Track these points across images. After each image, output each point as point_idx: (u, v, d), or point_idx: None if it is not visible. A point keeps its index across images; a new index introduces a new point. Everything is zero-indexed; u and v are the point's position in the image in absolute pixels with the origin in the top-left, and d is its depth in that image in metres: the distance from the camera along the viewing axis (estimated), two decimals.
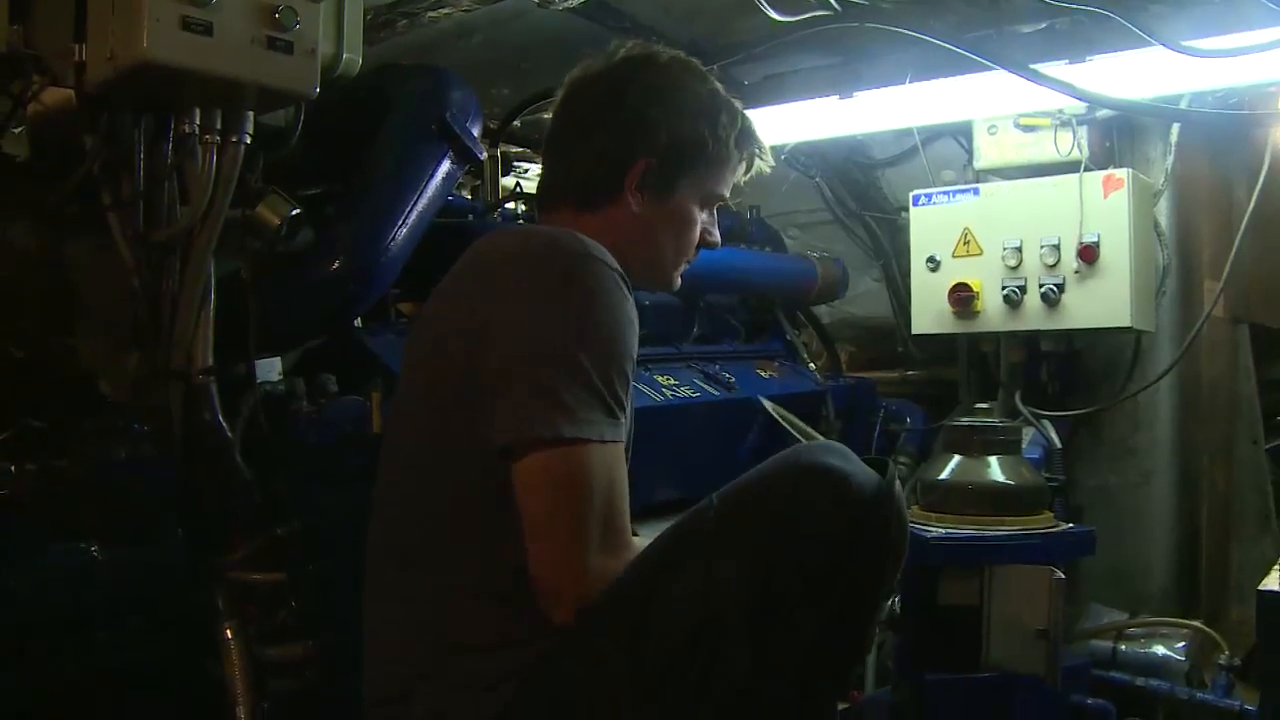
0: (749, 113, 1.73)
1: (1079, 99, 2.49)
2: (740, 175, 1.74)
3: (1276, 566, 1.85)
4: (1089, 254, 2.65)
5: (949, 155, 3.29)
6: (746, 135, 1.71)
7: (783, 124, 2.98)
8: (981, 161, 2.97)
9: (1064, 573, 2.22)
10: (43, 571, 1.77)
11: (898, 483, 1.36)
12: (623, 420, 1.39)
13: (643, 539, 1.43)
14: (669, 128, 1.61)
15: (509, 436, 1.34)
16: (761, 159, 1.75)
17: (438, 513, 1.46)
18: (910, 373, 3.82)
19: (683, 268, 1.72)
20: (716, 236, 1.73)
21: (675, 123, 1.62)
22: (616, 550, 1.36)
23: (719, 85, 1.70)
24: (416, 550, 1.49)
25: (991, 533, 2.23)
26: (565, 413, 1.33)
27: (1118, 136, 2.92)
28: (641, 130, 1.60)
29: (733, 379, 2.86)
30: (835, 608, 1.31)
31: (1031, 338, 2.93)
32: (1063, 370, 3.01)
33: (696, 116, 1.64)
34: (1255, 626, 1.85)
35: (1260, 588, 1.83)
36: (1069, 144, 2.78)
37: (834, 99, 2.82)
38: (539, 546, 1.35)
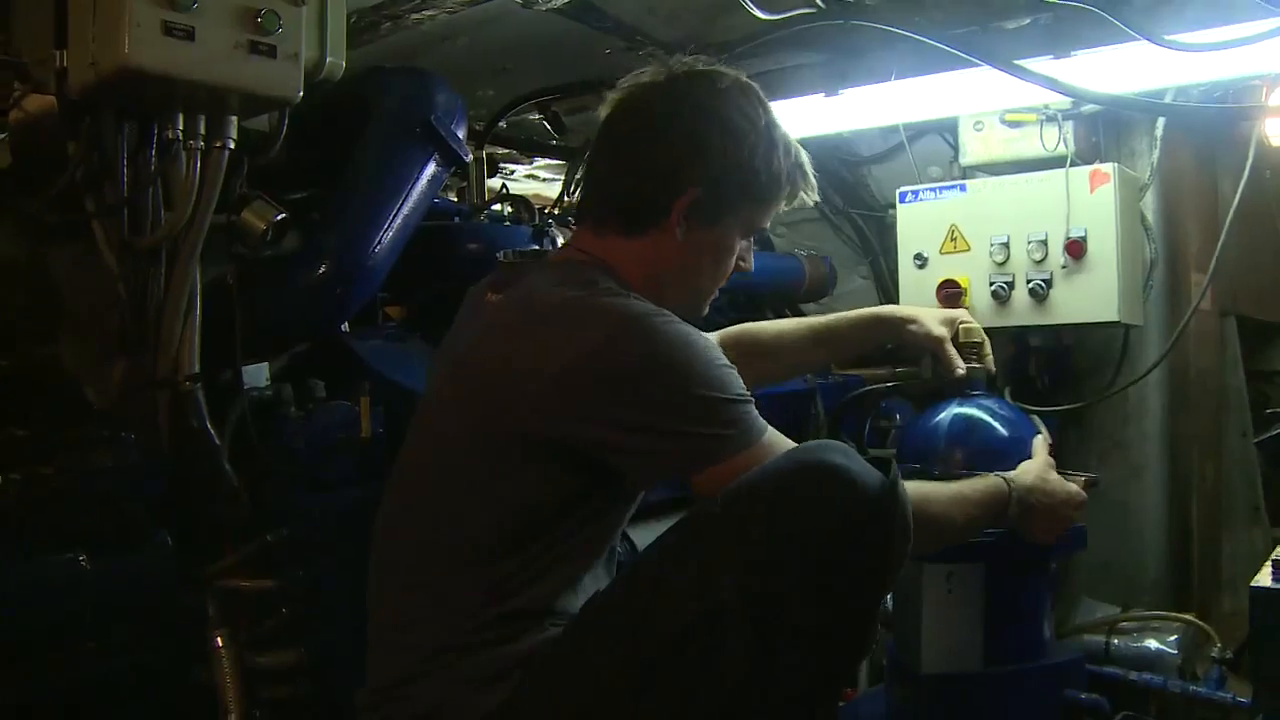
0: None
1: (1064, 94, 2.48)
2: (783, 206, 1.72)
3: (1269, 561, 1.84)
4: (1076, 249, 2.65)
5: (935, 152, 3.29)
6: (797, 169, 1.68)
7: None
8: (968, 158, 2.97)
9: (1056, 568, 2.22)
10: (31, 581, 1.76)
11: (900, 481, 1.36)
12: (752, 404, 1.47)
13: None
14: (723, 158, 1.58)
15: (688, 475, 1.44)
16: (806, 192, 1.73)
17: (436, 523, 1.47)
18: (899, 369, 3.82)
19: (714, 296, 1.72)
20: (750, 263, 1.73)
21: (732, 153, 1.58)
22: None
23: (775, 115, 1.66)
24: (414, 556, 1.50)
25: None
26: (733, 434, 1.42)
27: (1103, 131, 2.92)
28: (697, 157, 1.57)
29: None
30: (838, 604, 1.33)
31: (1020, 333, 2.93)
32: (1052, 365, 3.00)
33: (754, 149, 1.60)
34: (1249, 621, 1.84)
35: (1252, 584, 1.82)
36: (1055, 139, 2.77)
37: (820, 97, 2.81)
38: None
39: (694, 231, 1.59)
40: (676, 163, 1.57)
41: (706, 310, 1.73)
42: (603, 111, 1.66)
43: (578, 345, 1.42)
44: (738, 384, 1.46)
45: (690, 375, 1.42)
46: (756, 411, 1.47)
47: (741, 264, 1.70)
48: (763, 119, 1.63)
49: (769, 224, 1.72)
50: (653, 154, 1.58)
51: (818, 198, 1.76)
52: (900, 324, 2.22)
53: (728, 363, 1.48)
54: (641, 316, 1.44)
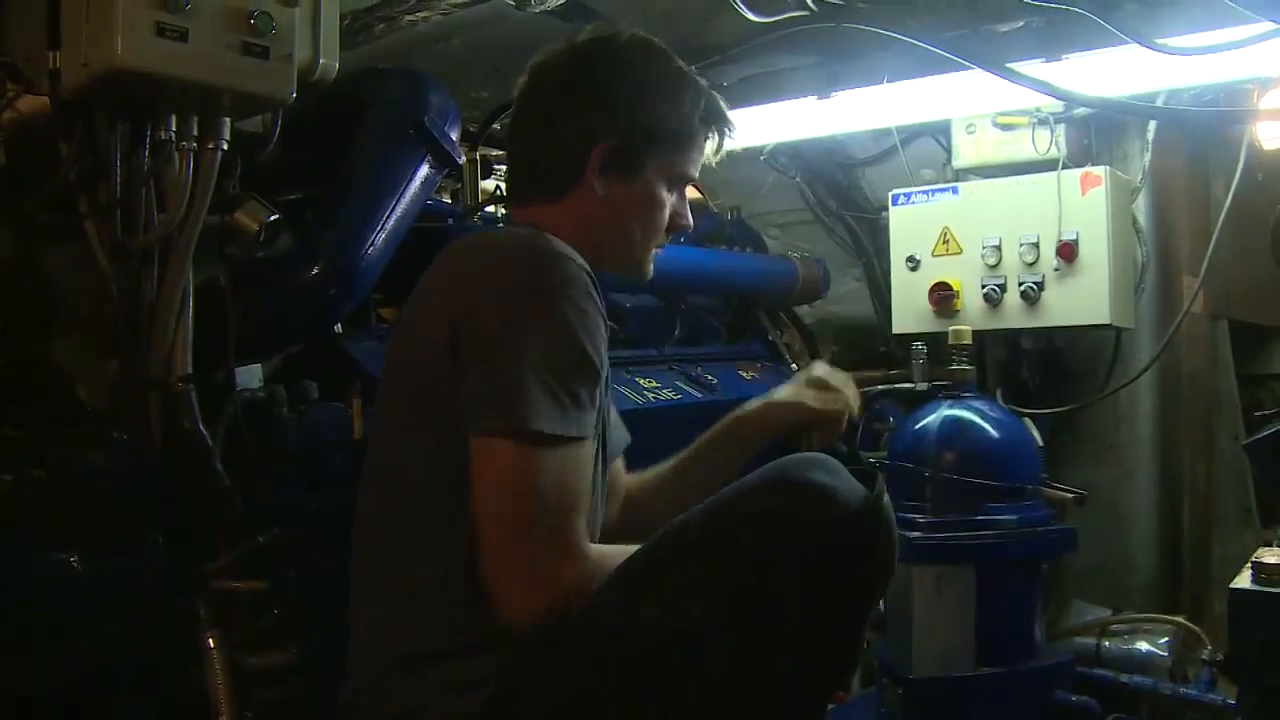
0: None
1: (1056, 97, 2.49)
2: (710, 155, 1.71)
3: (1249, 563, 1.84)
4: (1068, 251, 2.66)
5: (928, 154, 3.30)
6: (713, 113, 1.68)
7: (762, 125, 2.98)
8: (960, 160, 2.98)
9: (1048, 570, 2.22)
10: (23, 582, 1.76)
11: (885, 495, 1.35)
12: (579, 416, 1.37)
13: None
14: (629, 108, 1.58)
15: (468, 427, 1.35)
16: (730, 136, 1.72)
17: (408, 519, 1.46)
18: (893, 371, 3.82)
19: (655, 253, 1.69)
20: (688, 218, 1.71)
21: (635, 102, 1.59)
22: (568, 554, 1.34)
23: (682, 63, 1.67)
24: (390, 554, 1.49)
25: (973, 531, 2.22)
26: (516, 406, 1.32)
27: (1095, 134, 2.93)
28: (601, 112, 1.58)
29: (715, 380, 2.86)
30: (820, 623, 1.31)
31: (1012, 336, 2.93)
32: (1044, 368, 3.02)
33: (657, 95, 1.61)
34: (1228, 623, 1.84)
35: (1231, 585, 1.82)
36: (1047, 142, 2.79)
37: (812, 99, 2.82)
38: (484, 543, 1.34)
39: (614, 185, 1.59)
40: (584, 119, 1.58)
41: (651, 271, 1.70)
42: (517, 91, 1.67)
43: (477, 277, 1.43)
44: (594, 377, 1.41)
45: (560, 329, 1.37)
46: (591, 413, 1.40)
47: (679, 220, 1.69)
48: (668, 67, 1.64)
49: (698, 174, 1.70)
50: (562, 116, 1.59)
51: (736, 141, 1.75)
52: (757, 418, 1.91)
53: (599, 342, 1.42)
54: (544, 250, 1.43)
